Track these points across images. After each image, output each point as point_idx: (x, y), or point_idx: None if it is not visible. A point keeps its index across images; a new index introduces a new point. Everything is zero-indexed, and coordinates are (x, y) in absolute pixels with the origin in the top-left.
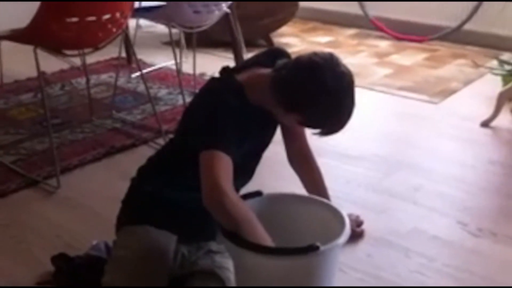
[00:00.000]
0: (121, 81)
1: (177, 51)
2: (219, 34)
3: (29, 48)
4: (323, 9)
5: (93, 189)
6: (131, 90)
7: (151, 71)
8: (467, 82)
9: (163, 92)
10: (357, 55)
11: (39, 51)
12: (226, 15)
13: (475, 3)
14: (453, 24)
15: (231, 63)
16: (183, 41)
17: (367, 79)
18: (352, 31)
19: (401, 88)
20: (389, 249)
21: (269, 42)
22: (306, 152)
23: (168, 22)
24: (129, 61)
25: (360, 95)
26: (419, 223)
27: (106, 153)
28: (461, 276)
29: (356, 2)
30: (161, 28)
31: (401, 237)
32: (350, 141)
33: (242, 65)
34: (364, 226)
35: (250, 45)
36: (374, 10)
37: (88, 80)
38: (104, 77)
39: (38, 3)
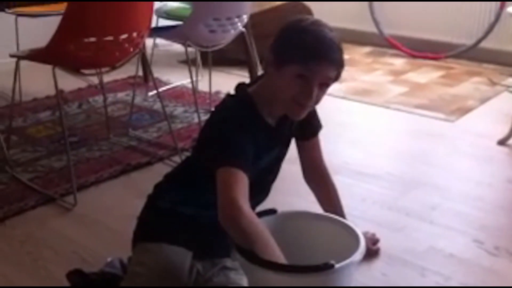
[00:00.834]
0: (138, 100)
1: (193, 69)
2: (234, 53)
3: (47, 67)
4: (337, 27)
5: (109, 206)
6: (148, 108)
7: (167, 89)
8: (484, 100)
9: (179, 110)
10: (372, 73)
11: (57, 69)
12: (241, 34)
13: (491, 21)
14: (469, 41)
15: (247, 81)
16: (199, 59)
17: (382, 97)
18: (367, 49)
19: (417, 106)
20: (405, 268)
21: None
22: (322, 169)
23: (184, 41)
24: (146, 79)
25: (376, 113)
26: (435, 241)
27: (123, 170)
28: None
29: (371, 21)
30: (177, 47)
31: (417, 255)
32: (366, 159)
33: (254, 80)
34: (379, 245)
35: None
36: (389, 28)
37: (105, 99)
38: (121, 95)
39: (56, 23)
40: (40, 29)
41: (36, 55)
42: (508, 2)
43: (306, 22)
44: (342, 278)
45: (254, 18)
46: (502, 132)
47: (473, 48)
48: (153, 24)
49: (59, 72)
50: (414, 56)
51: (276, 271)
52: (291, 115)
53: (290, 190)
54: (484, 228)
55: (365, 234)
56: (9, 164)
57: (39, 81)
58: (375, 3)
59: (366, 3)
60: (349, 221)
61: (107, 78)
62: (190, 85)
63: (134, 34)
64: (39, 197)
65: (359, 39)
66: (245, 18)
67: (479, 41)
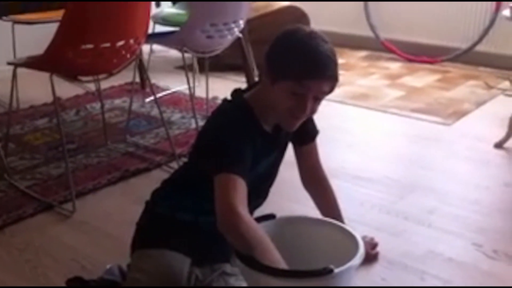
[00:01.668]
0: (135, 106)
1: (190, 75)
2: (231, 58)
3: (44, 74)
4: (333, 32)
5: (108, 213)
6: (145, 114)
7: (164, 95)
8: (480, 104)
9: (176, 116)
10: (368, 77)
11: (54, 77)
12: (238, 39)
13: (486, 24)
14: (465, 45)
15: (243, 87)
16: (195, 65)
17: (379, 101)
18: (363, 53)
19: (413, 110)
20: (404, 272)
21: None
22: (320, 174)
23: (181, 47)
24: (143, 85)
25: (372, 118)
26: (434, 245)
27: (121, 177)
28: None
29: (366, 25)
30: (174, 53)
31: (415, 259)
32: (363, 163)
33: (251, 86)
34: (378, 249)
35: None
36: (385, 32)
37: (102, 105)
38: (118, 102)
39: (53, 31)
40: (37, 36)
41: (33, 63)
42: (503, 4)
43: (301, 34)
44: (341, 283)
45: (250, 23)
46: (498, 135)
47: (468, 51)
48: (150, 30)
49: (56, 79)
50: (410, 60)
51: (276, 276)
52: (284, 126)
53: (288, 195)
54: (482, 232)
55: (363, 238)
56: (7, 171)
57: (36, 88)
58: (371, 7)
59: (362, 8)
60: (348, 225)
61: (104, 85)
62: (187, 91)
63: (131, 41)
64: (37, 205)
65: (355, 43)
66: (241, 23)
67: (475, 44)
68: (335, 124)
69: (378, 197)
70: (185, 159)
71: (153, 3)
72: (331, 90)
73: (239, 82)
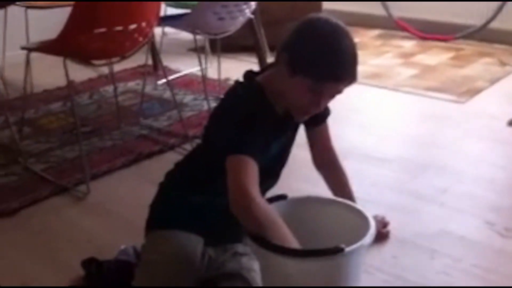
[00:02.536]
0: (148, 88)
1: (202, 57)
2: (243, 40)
3: (57, 58)
4: (346, 11)
5: (122, 195)
6: (158, 97)
7: (176, 77)
8: (494, 81)
9: (188, 98)
10: (382, 56)
11: (67, 61)
12: (250, 20)
13: (500, 1)
14: (479, 22)
15: (255, 68)
16: (207, 47)
17: (392, 80)
18: (376, 32)
19: (427, 89)
20: (415, 251)
21: None
22: (331, 154)
23: (193, 30)
24: (155, 68)
25: (385, 97)
26: (446, 224)
27: (134, 159)
28: (488, 276)
29: (379, 3)
30: (186, 35)
31: (427, 238)
32: (375, 143)
33: (264, 68)
34: (390, 228)
35: (273, 49)
36: (398, 10)
37: (115, 88)
38: (131, 84)
39: (66, 15)
40: (50, 21)
41: (46, 47)
42: None
43: (327, 29)
44: (352, 261)
45: (262, 4)
46: None
47: (482, 29)
48: (162, 13)
49: (69, 63)
50: (423, 38)
51: (288, 255)
52: (295, 116)
53: (300, 176)
54: (495, 210)
55: (375, 217)
56: (22, 155)
57: (50, 72)
58: None
59: None
60: (359, 205)
61: (117, 68)
62: (199, 73)
63: (143, 24)
64: (52, 187)
65: (368, 22)
66: (253, 4)
67: (489, 21)
68: (348, 104)
69: (390, 177)
70: (198, 141)
71: None
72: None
73: (251, 63)
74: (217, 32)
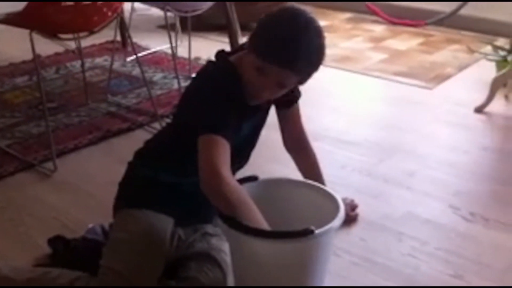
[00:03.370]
0: (116, 65)
1: (172, 35)
2: (214, 18)
3: (23, 31)
4: None
5: (89, 173)
6: (126, 74)
7: (146, 54)
8: (462, 68)
9: (158, 76)
10: (352, 40)
11: (33, 34)
12: None
13: None
14: (448, 9)
15: (226, 47)
16: (178, 25)
17: (362, 64)
18: (347, 15)
19: (396, 74)
20: (383, 233)
21: None
22: (302, 137)
23: (163, 6)
24: (124, 44)
25: (355, 81)
26: (413, 207)
27: (102, 137)
28: (452, 259)
29: None
30: (156, 12)
31: (394, 221)
32: (345, 126)
33: (236, 49)
34: (358, 210)
35: (245, 29)
36: None
37: (83, 64)
38: (99, 60)
39: None
40: None
41: (12, 19)
42: None
43: (284, 15)
44: (321, 243)
45: None
46: (479, 100)
47: (452, 15)
48: None
49: (35, 37)
50: (394, 23)
51: (257, 236)
52: (253, 98)
53: (271, 157)
54: (460, 195)
55: (344, 200)
56: None
57: (15, 45)
58: None
59: None
60: (329, 187)
61: (84, 43)
62: (169, 51)
63: None
64: (18, 164)
65: (339, 5)
66: None
67: (459, 8)
68: (318, 87)
69: (359, 160)
70: (167, 120)
71: None
72: (299, 83)
73: (222, 42)
74: (188, 10)
